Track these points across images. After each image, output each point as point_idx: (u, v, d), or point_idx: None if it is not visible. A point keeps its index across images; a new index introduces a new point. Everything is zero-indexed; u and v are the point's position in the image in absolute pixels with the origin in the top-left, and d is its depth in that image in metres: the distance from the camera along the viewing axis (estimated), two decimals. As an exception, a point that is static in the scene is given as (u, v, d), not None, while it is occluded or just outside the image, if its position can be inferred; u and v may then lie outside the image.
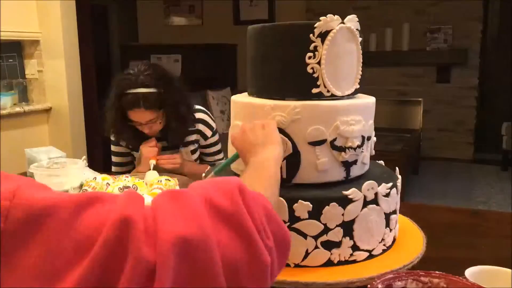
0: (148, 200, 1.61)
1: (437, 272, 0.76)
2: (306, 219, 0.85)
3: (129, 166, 2.01)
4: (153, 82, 1.74)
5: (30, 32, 3.17)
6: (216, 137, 2.02)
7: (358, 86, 0.97)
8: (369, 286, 0.73)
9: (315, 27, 0.88)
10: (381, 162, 1.07)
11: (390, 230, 0.96)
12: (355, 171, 0.95)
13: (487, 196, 4.32)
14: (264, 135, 0.85)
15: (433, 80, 5.52)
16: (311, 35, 0.88)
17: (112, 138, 1.98)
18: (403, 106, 5.46)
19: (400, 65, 5.56)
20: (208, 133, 1.99)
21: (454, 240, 1.25)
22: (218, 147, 2.04)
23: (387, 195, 0.93)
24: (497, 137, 5.08)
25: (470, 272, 0.87)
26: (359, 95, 1.01)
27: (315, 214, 0.86)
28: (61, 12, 3.18)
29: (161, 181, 1.63)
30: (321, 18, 0.89)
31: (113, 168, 2.03)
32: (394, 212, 0.97)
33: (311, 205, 0.85)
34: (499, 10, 5.41)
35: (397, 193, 0.97)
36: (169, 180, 1.64)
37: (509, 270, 0.87)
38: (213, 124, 2.01)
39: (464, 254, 1.14)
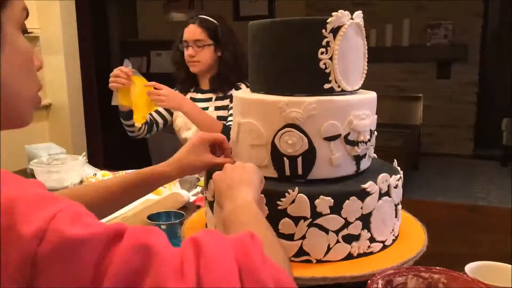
0: (147, 196, 1.59)
1: (437, 267, 0.76)
2: (328, 214, 0.86)
3: (140, 131, 1.97)
4: (217, 19, 1.96)
5: (29, 28, 3.15)
6: None
7: (363, 81, 0.98)
8: (369, 282, 0.73)
9: (328, 23, 0.88)
10: (374, 155, 1.08)
11: (398, 220, 0.99)
12: (364, 165, 0.97)
13: (487, 191, 4.32)
14: (241, 176, 0.82)
15: (433, 76, 5.52)
16: (323, 30, 0.88)
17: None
18: (403, 102, 5.46)
19: (400, 61, 5.55)
20: None
21: (454, 236, 1.25)
22: None
23: (396, 186, 0.95)
24: (497, 132, 5.08)
25: (470, 268, 0.87)
26: (361, 90, 1.02)
27: (336, 209, 0.86)
28: (60, 8, 3.17)
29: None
30: (333, 13, 0.88)
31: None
32: (399, 203, 0.99)
33: (332, 200, 0.85)
34: (499, 6, 5.40)
35: (401, 184, 0.99)
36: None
37: (509, 265, 0.88)
38: None
39: (464, 250, 1.15)
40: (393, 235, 0.97)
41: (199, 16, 1.96)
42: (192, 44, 1.93)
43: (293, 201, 0.85)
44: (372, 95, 0.98)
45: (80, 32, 3.34)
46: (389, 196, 0.93)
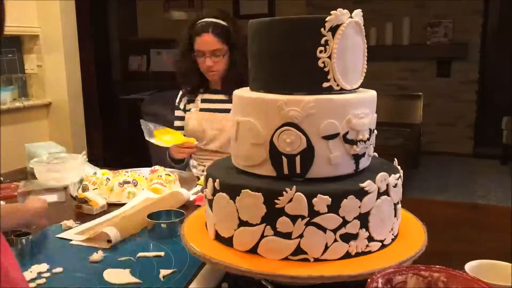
0: (147, 195, 1.60)
1: (437, 266, 0.76)
2: (326, 213, 0.86)
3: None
4: (224, 18, 1.90)
5: (29, 27, 3.16)
6: None
7: (362, 80, 0.98)
8: (369, 280, 0.73)
9: (326, 21, 0.88)
10: (375, 153, 1.08)
11: (397, 219, 0.98)
12: (363, 164, 0.97)
13: (487, 190, 4.32)
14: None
15: (433, 74, 5.52)
16: (322, 29, 0.88)
17: (177, 104, 2.08)
18: (403, 100, 5.46)
19: (400, 59, 5.55)
20: None
21: (454, 235, 1.25)
22: None
23: (396, 185, 0.95)
24: (497, 131, 5.08)
25: (470, 266, 0.87)
26: (361, 89, 1.01)
27: (333, 208, 0.86)
28: (60, 7, 3.17)
29: (161, 176, 1.63)
30: (331, 12, 0.88)
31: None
32: (399, 202, 0.99)
33: (330, 199, 0.85)
34: (499, 4, 5.39)
35: (401, 183, 0.99)
36: (169, 175, 1.65)
37: (508, 264, 0.88)
38: None
39: (464, 248, 1.15)
40: (392, 234, 0.96)
41: (211, 21, 1.87)
42: (210, 55, 1.87)
43: (290, 200, 0.85)
44: (371, 93, 0.98)
45: (80, 31, 3.34)
46: (388, 195, 0.93)
